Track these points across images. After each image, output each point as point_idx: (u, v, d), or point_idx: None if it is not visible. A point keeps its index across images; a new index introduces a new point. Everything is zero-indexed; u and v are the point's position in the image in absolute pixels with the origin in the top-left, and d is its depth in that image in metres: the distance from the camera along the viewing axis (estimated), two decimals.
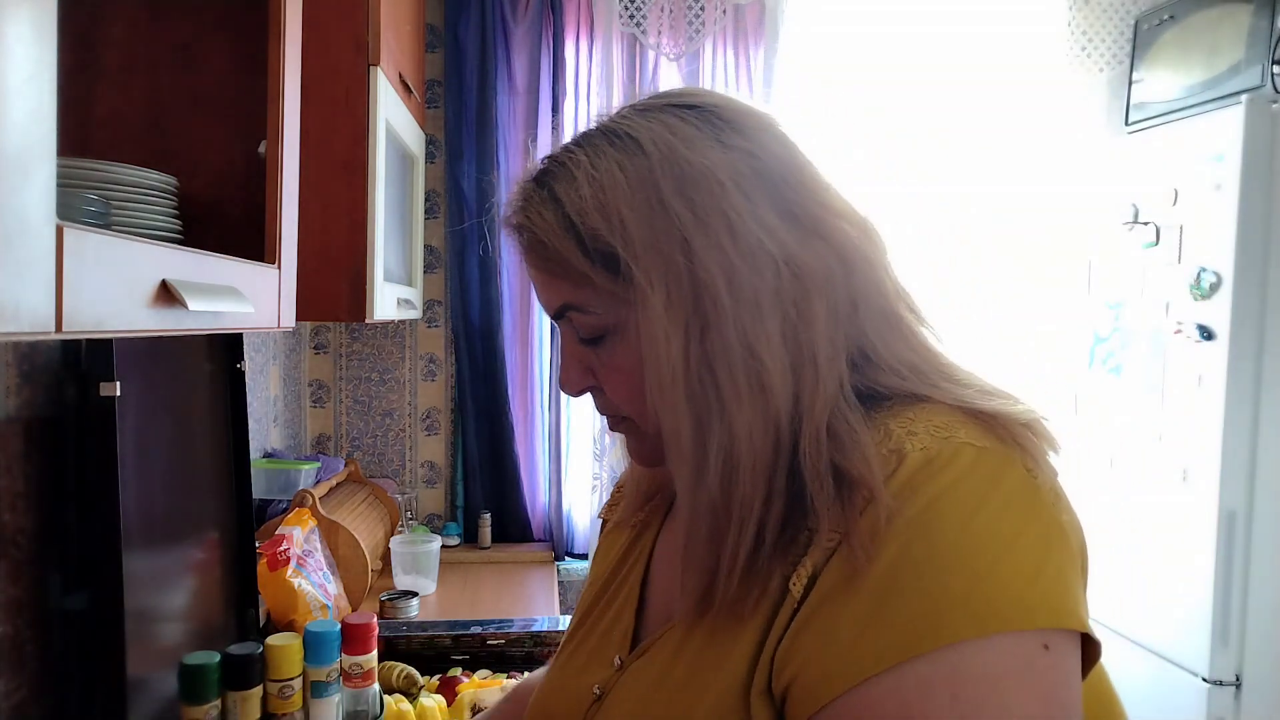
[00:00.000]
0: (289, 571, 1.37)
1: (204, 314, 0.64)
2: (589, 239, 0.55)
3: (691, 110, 0.57)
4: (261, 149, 0.83)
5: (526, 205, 0.58)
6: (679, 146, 0.55)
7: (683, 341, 0.53)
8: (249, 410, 1.28)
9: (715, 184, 0.53)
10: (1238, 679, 1.83)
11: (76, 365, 0.93)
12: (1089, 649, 0.49)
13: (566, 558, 2.25)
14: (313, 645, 1.06)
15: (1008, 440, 0.50)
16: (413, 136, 1.82)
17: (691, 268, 0.53)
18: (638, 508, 0.73)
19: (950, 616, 0.44)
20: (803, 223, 0.55)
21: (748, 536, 0.52)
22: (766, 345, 0.52)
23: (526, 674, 1.31)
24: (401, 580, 1.84)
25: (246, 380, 1.27)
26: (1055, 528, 0.48)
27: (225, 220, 0.88)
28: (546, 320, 2.22)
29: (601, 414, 0.65)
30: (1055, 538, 0.48)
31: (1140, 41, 2.25)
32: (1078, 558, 0.49)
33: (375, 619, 1.12)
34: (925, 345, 0.58)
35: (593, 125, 0.61)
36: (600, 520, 0.82)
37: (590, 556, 0.84)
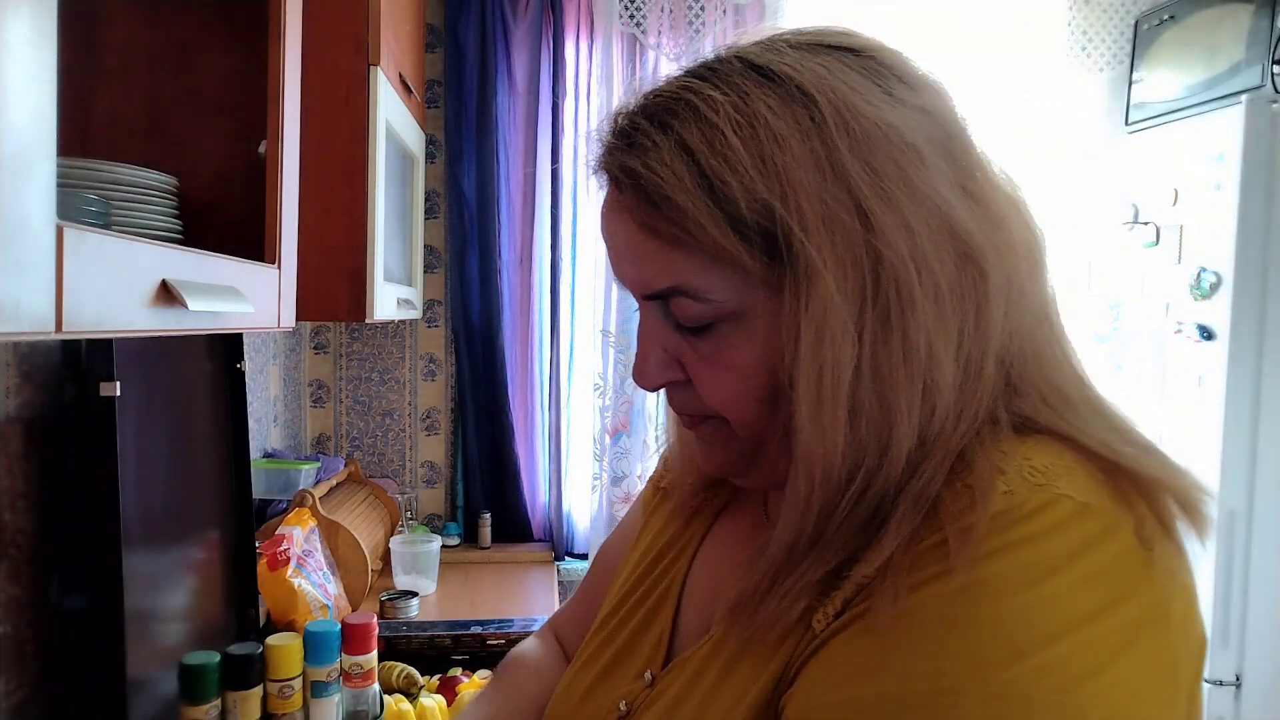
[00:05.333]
0: (289, 571, 1.37)
1: (204, 314, 0.63)
2: (735, 203, 0.43)
3: (852, 55, 0.46)
4: (261, 149, 0.83)
5: (640, 150, 0.45)
6: (852, 96, 0.44)
7: (855, 337, 0.42)
8: (249, 410, 1.28)
9: (900, 146, 0.43)
10: (1238, 679, 1.83)
11: (76, 365, 0.93)
12: None
13: (566, 558, 2.25)
14: (313, 645, 1.06)
15: (1130, 500, 0.41)
16: (413, 136, 1.82)
17: (875, 248, 0.42)
18: (693, 493, 0.63)
19: (962, 688, 0.37)
20: (978, 203, 0.45)
21: (830, 560, 0.44)
22: (945, 351, 0.43)
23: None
24: (401, 580, 1.84)
25: (246, 380, 1.27)
26: (1155, 616, 0.39)
27: (225, 220, 0.88)
28: (547, 320, 2.22)
29: (679, 411, 0.53)
30: (1148, 629, 0.38)
31: (1140, 41, 2.25)
32: (1181, 663, 0.39)
33: (375, 619, 1.12)
34: (1075, 369, 0.48)
35: (711, 56, 0.48)
36: (654, 487, 0.72)
37: (633, 510, 0.77)
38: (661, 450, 0.72)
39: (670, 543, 0.63)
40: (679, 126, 0.45)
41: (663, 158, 0.44)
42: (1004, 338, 0.45)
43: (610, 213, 0.49)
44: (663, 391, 0.53)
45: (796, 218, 0.42)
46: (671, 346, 0.50)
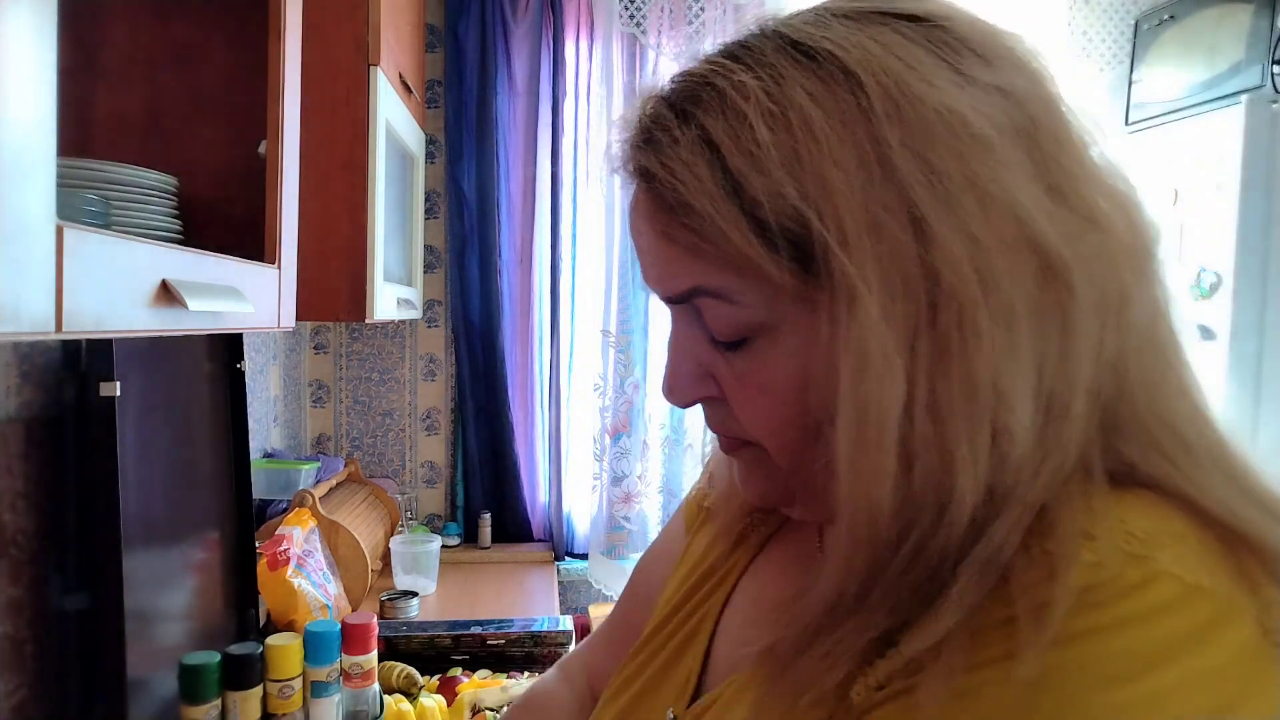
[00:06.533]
0: (289, 571, 1.37)
1: (204, 314, 0.63)
2: (764, 208, 0.37)
3: (915, 24, 0.39)
4: (261, 149, 0.83)
5: (657, 147, 0.40)
6: (908, 77, 0.37)
7: (905, 372, 0.35)
8: (249, 410, 1.28)
9: (965, 138, 0.36)
10: None
11: (76, 365, 0.93)
12: None
13: (566, 558, 2.25)
14: (313, 645, 1.06)
15: (1255, 580, 0.33)
16: (413, 136, 1.82)
17: (930, 264, 0.35)
18: (739, 516, 0.57)
19: None
20: (1070, 202, 0.37)
21: (875, 626, 0.38)
22: (1020, 387, 0.35)
23: (531, 676, 1.31)
24: (401, 580, 1.84)
25: (246, 380, 1.27)
26: None
27: (225, 220, 0.88)
28: (547, 319, 2.22)
29: (715, 431, 0.47)
30: None
31: (1140, 41, 2.25)
32: None
33: (375, 619, 1.12)
34: (1196, 403, 0.40)
35: (753, 29, 0.41)
36: (690, 503, 0.66)
37: (672, 525, 0.69)
38: (705, 461, 0.65)
39: (711, 569, 0.57)
40: (703, 116, 0.38)
41: (681, 155, 0.38)
42: (1100, 366, 0.37)
43: (633, 212, 0.44)
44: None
45: (834, 228, 0.36)
46: (705, 360, 0.44)
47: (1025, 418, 0.35)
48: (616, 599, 0.75)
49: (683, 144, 0.39)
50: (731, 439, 0.45)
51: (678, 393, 0.45)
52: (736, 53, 0.40)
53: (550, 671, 0.76)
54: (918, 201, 0.35)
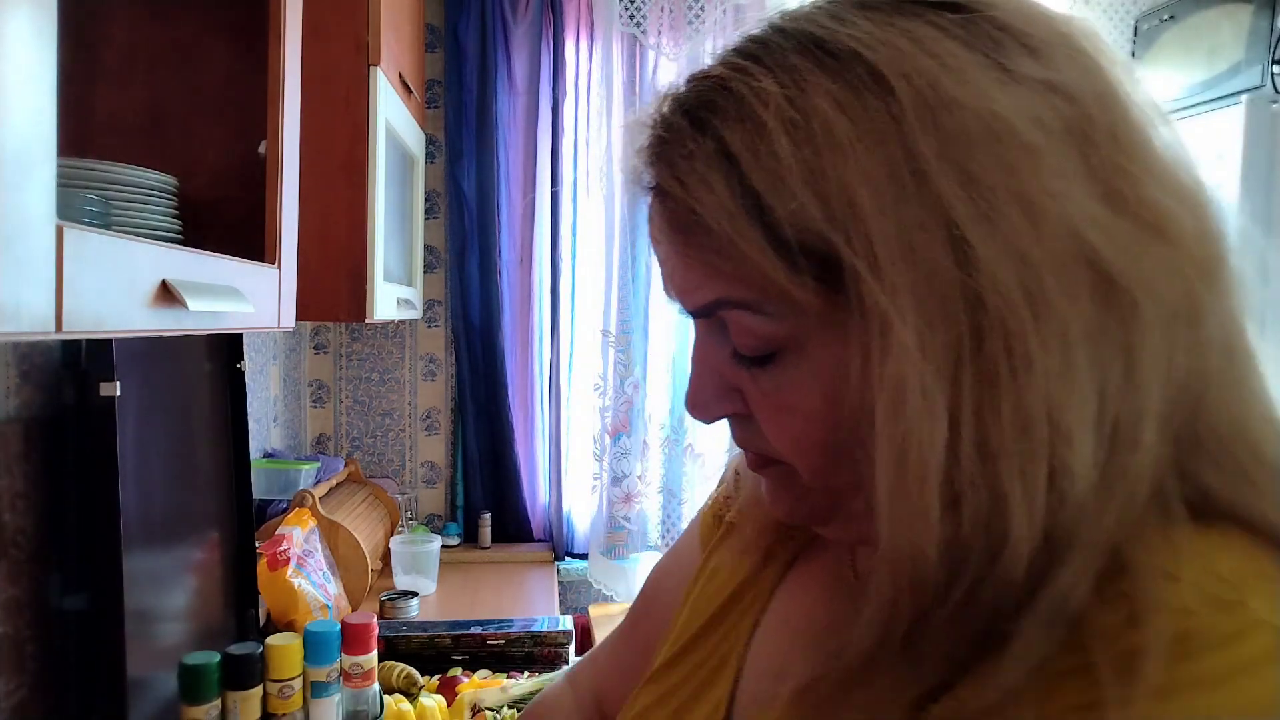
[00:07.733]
0: (289, 571, 1.37)
1: (204, 314, 0.63)
2: (786, 229, 0.34)
3: (952, 13, 0.35)
4: (261, 149, 0.83)
5: (672, 158, 0.37)
6: (944, 78, 0.33)
7: (947, 408, 0.32)
8: (249, 410, 1.28)
9: (1011, 143, 0.32)
10: None
11: (76, 365, 0.93)
12: None
13: (566, 558, 2.25)
14: (313, 645, 1.06)
15: None
16: (413, 136, 1.82)
17: (972, 288, 0.32)
18: (764, 533, 0.53)
19: None
20: (1131, 208, 0.33)
21: (923, 681, 0.35)
22: (1079, 418, 0.32)
23: (531, 676, 1.31)
24: (401, 580, 1.84)
25: (246, 380, 1.27)
26: None
27: (225, 220, 0.88)
28: (547, 320, 2.22)
29: (742, 447, 0.44)
30: None
31: (1140, 41, 2.25)
32: None
33: (375, 619, 1.12)
34: (1277, 423, 0.36)
35: (775, 22, 0.38)
36: (711, 513, 0.62)
37: (686, 538, 0.65)
38: (724, 471, 0.60)
39: (739, 591, 0.53)
40: (720, 126, 0.35)
41: (696, 169, 0.36)
42: (1171, 389, 0.33)
43: (650, 223, 0.41)
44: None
45: (863, 252, 0.33)
46: (729, 375, 0.41)
47: (1086, 452, 0.32)
48: (617, 599, 0.74)
49: (698, 157, 0.36)
50: (759, 456, 0.42)
51: (702, 409, 0.42)
52: (757, 52, 0.37)
53: (557, 680, 0.74)
54: (957, 218, 0.32)
